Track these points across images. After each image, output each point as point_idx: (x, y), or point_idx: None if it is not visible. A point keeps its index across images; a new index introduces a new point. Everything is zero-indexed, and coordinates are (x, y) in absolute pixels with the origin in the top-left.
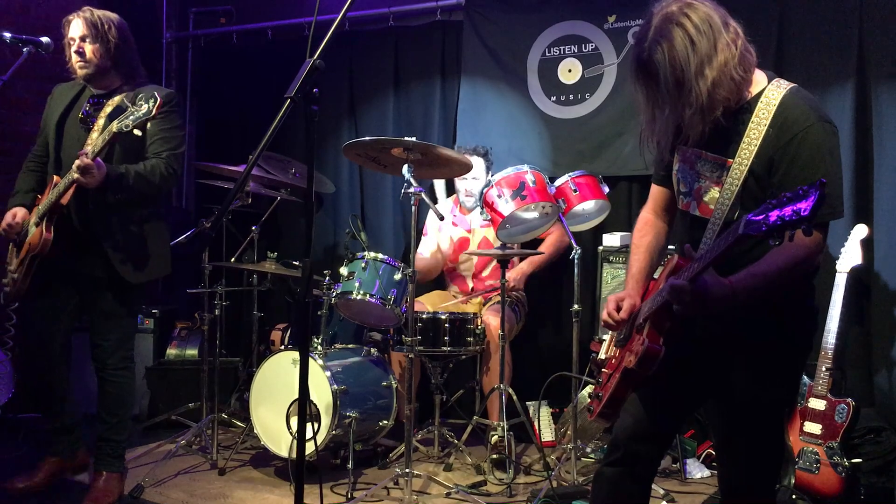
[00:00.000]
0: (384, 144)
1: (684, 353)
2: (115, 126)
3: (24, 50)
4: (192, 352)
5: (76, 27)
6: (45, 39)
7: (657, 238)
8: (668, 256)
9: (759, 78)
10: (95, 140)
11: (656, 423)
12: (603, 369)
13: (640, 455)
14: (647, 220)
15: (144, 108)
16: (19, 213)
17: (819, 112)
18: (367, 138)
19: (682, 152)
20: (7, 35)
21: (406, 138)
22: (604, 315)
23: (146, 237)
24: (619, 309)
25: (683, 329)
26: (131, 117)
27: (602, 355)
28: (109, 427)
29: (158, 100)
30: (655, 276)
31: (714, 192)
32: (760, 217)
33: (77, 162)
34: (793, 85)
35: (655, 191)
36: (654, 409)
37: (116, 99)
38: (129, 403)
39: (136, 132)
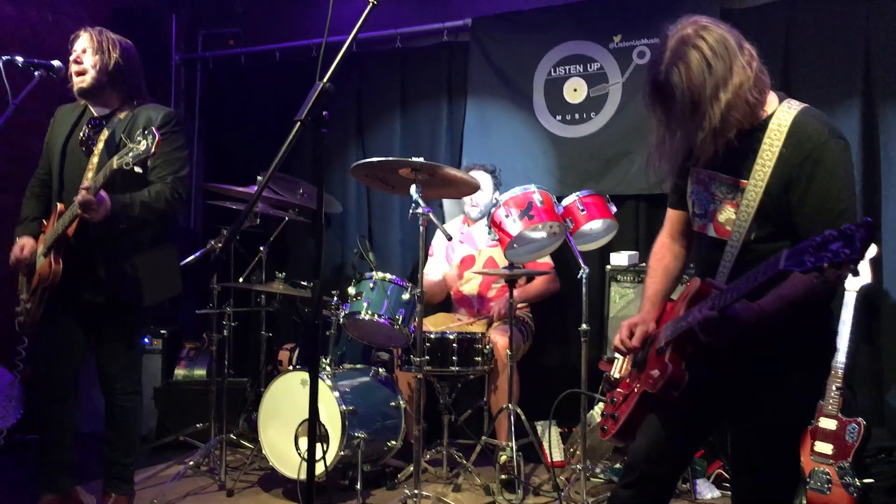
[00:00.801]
0: (392, 165)
1: (712, 378)
2: (115, 163)
3: (36, 74)
4: (200, 372)
5: (81, 41)
6: (56, 63)
7: (673, 261)
8: (688, 279)
9: (771, 99)
10: (97, 175)
11: (674, 446)
12: (617, 389)
13: (656, 477)
14: (664, 244)
15: (143, 145)
16: (27, 246)
17: (832, 128)
18: (374, 159)
19: (696, 174)
20: (19, 59)
21: (413, 159)
22: (616, 341)
23: (151, 260)
24: (631, 335)
25: (711, 354)
26: (131, 154)
27: (616, 374)
28: (117, 451)
29: (157, 137)
30: (674, 296)
31: (729, 213)
32: (805, 253)
33: (77, 198)
34: (804, 105)
35: (671, 214)
36: (672, 432)
37: (115, 120)
38: (137, 427)
39: (137, 169)
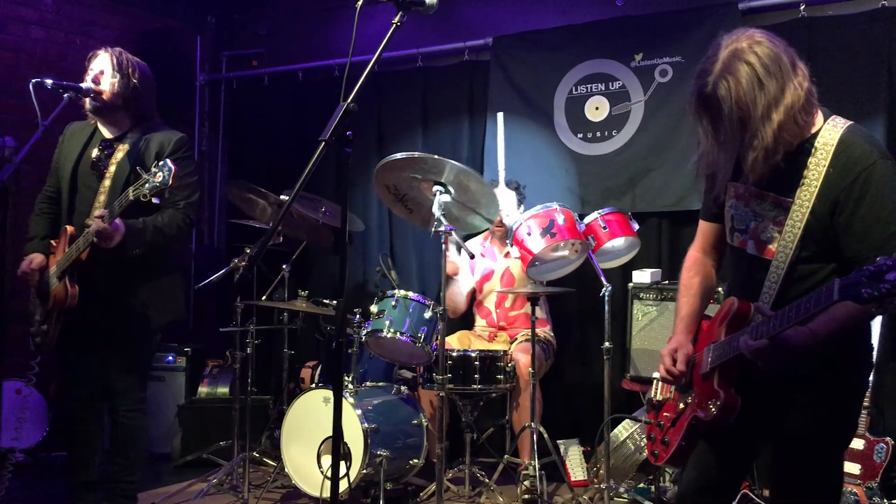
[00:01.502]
0: (418, 163)
1: (745, 394)
2: (131, 194)
3: (65, 96)
4: (223, 390)
5: (101, 60)
6: (84, 85)
7: (706, 278)
8: (722, 297)
9: (816, 117)
10: (113, 205)
11: (721, 474)
12: (663, 412)
13: None
14: (696, 259)
15: (160, 177)
16: (35, 259)
17: (880, 149)
18: (399, 154)
19: (735, 189)
20: (48, 82)
21: (438, 156)
22: (661, 372)
23: (158, 283)
24: (674, 361)
25: (756, 374)
26: (147, 185)
27: (658, 396)
28: (121, 469)
29: (173, 169)
30: (711, 313)
31: (773, 233)
32: (860, 284)
33: (93, 227)
34: (850, 122)
35: (705, 227)
36: (719, 460)
37: (127, 143)
38: (141, 445)
39: (154, 200)
